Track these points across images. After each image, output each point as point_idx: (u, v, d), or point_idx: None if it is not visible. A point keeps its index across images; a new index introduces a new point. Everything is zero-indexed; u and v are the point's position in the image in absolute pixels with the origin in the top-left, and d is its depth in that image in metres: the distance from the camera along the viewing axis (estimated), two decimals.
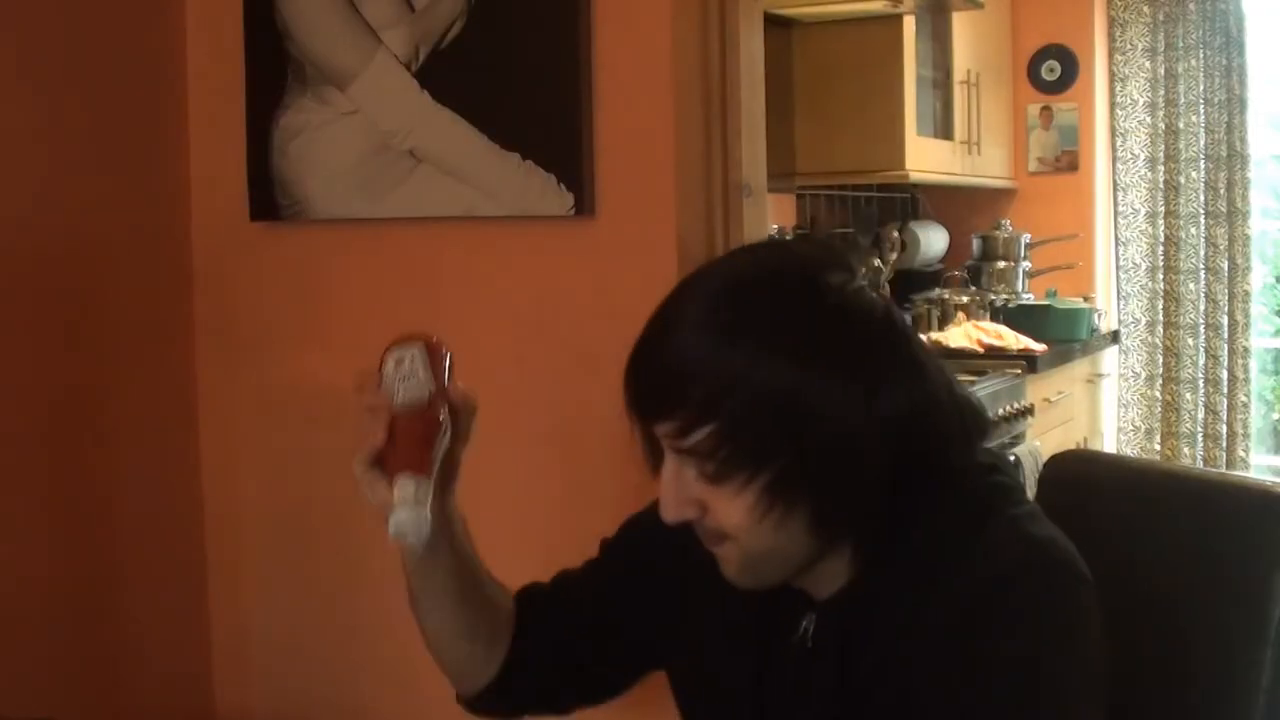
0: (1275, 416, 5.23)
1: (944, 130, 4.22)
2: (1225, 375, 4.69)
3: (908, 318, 1.41)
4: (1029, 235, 4.61)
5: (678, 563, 1.21)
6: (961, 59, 4.26)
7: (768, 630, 1.18)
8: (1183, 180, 4.72)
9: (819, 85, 3.90)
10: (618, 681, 1.35)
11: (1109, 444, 4.77)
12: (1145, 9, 4.73)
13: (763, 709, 1.18)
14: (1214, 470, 4.04)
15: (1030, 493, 1.22)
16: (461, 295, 2.01)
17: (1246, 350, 4.69)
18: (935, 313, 4.25)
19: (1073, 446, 3.96)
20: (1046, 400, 3.91)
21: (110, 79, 2.05)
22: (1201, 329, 4.72)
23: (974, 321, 4.13)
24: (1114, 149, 4.80)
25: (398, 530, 1.11)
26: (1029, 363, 3.77)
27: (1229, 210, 4.64)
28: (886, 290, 3.63)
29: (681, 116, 1.86)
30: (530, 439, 1.96)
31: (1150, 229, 4.79)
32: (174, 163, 2.16)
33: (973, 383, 3.44)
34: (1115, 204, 4.82)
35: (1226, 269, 4.67)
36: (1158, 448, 4.79)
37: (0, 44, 1.89)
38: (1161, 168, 4.75)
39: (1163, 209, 4.76)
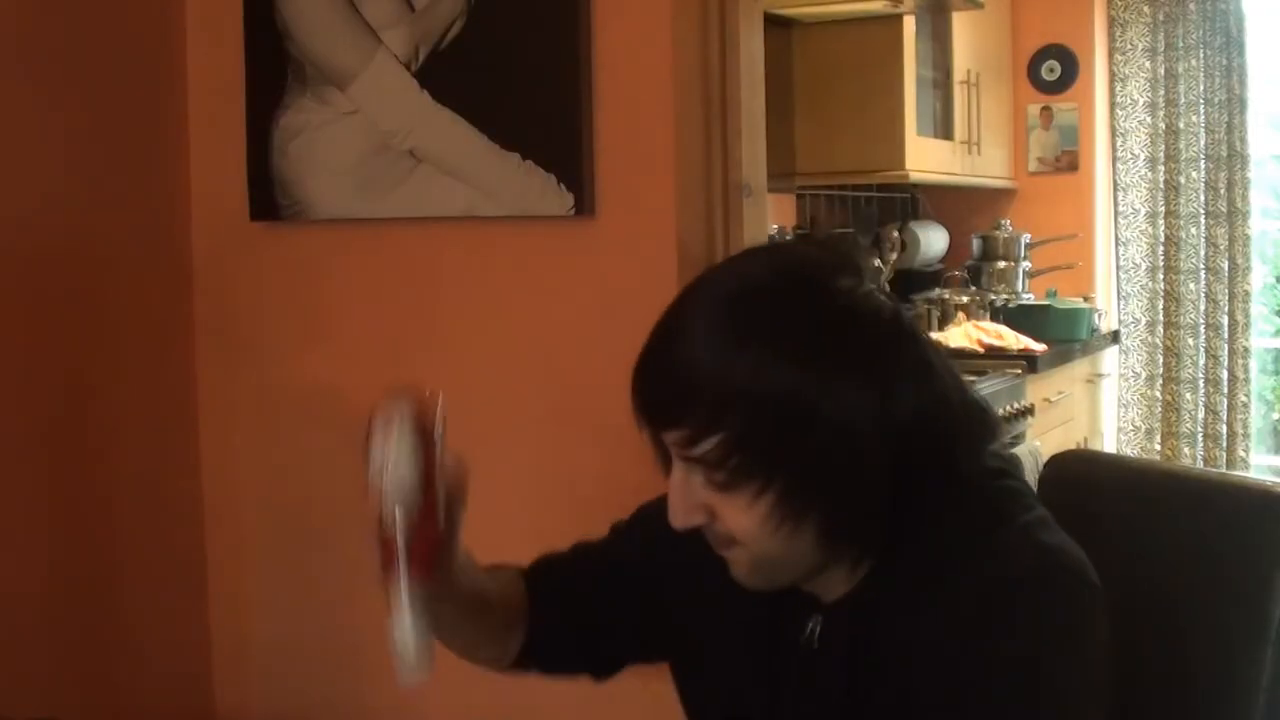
0: (1275, 416, 5.23)
1: (944, 130, 4.22)
2: (1225, 375, 4.68)
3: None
4: (1029, 235, 4.61)
5: (686, 558, 1.20)
6: (961, 59, 4.25)
7: (775, 630, 1.17)
8: (1183, 180, 4.71)
9: (819, 85, 3.89)
10: (620, 656, 1.33)
11: (1109, 444, 4.77)
12: (1145, 9, 4.72)
13: (768, 708, 1.17)
14: (1214, 470, 4.03)
15: None
16: (461, 295, 2.01)
17: (1246, 350, 4.68)
18: (935, 313, 4.25)
19: (1073, 446, 3.95)
20: (1046, 400, 3.91)
21: (110, 79, 2.05)
22: (1202, 329, 4.71)
23: (974, 321, 4.12)
24: (1114, 149, 4.80)
25: (399, 651, 1.04)
26: (1029, 363, 3.77)
27: (1229, 210, 4.64)
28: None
29: (681, 116, 1.86)
30: (529, 439, 1.96)
31: (1150, 229, 4.78)
32: (174, 163, 2.16)
33: (973, 383, 3.44)
34: (1115, 204, 4.81)
35: (1227, 269, 4.66)
36: (1158, 448, 4.78)
37: (0, 44, 1.89)
38: (1161, 168, 4.74)
39: (1163, 209, 4.76)
